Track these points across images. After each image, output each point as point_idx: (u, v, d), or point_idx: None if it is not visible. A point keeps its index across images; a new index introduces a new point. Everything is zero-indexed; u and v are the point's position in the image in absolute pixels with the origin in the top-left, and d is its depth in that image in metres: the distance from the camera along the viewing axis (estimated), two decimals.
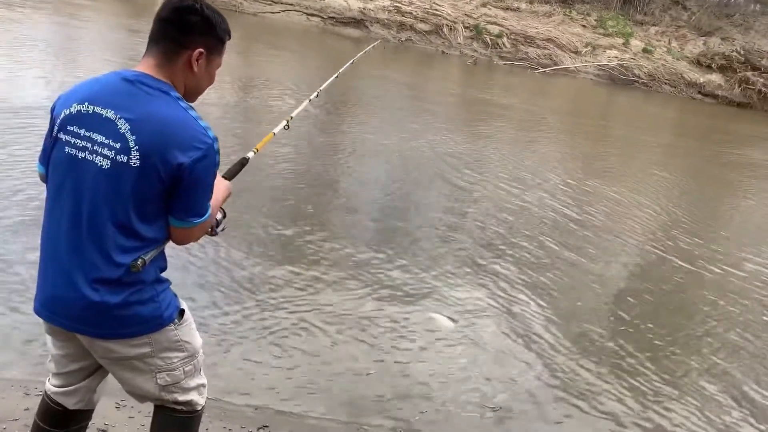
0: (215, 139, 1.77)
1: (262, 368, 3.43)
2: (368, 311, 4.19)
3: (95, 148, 1.71)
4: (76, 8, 14.04)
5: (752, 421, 3.78)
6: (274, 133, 2.85)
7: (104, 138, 1.70)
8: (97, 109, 1.72)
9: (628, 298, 5.16)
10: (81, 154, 1.72)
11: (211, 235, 2.07)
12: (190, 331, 1.94)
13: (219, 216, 2.07)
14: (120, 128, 1.69)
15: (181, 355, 1.91)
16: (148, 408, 2.34)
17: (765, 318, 5.21)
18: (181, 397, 1.95)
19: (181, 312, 1.91)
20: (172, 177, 1.70)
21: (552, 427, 3.40)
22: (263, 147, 2.67)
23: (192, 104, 1.87)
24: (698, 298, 5.47)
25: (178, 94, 1.77)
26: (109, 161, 1.69)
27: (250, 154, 2.49)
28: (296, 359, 3.56)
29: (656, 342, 4.50)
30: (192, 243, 1.93)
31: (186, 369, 1.93)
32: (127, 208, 1.71)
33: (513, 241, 5.82)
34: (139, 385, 1.91)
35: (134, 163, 1.68)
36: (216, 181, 1.99)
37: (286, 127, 3.00)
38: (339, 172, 6.96)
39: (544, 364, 3.94)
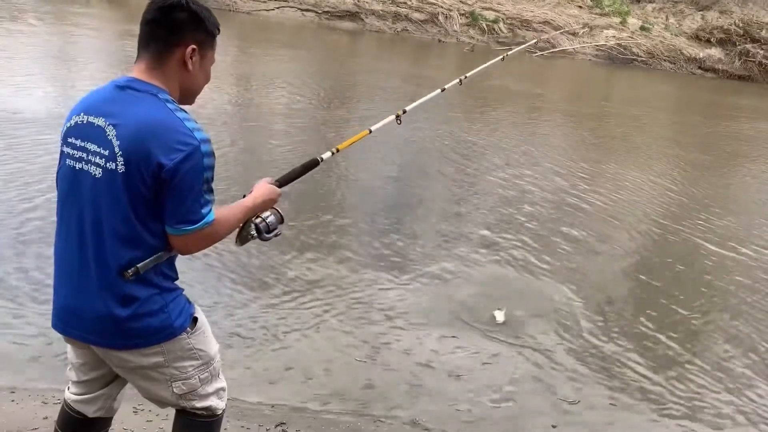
0: (204, 141, 1.70)
1: (277, 365, 3.45)
2: (384, 305, 4.20)
3: (89, 157, 1.71)
4: (76, 17, 14.04)
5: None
6: (371, 131, 2.67)
7: (96, 147, 1.70)
8: (91, 119, 1.73)
9: (632, 271, 5.16)
10: (78, 165, 1.73)
11: (262, 240, 2.00)
12: (204, 339, 1.93)
13: (271, 219, 2.00)
14: (108, 135, 1.69)
15: (195, 363, 1.89)
16: (166, 412, 2.37)
17: None
18: (200, 404, 1.94)
19: (195, 320, 1.89)
20: (156, 180, 1.65)
21: (564, 416, 3.41)
22: (347, 147, 2.48)
23: (190, 106, 1.86)
24: (716, 274, 5.46)
25: (167, 96, 1.74)
26: (100, 170, 1.69)
27: (327, 155, 2.34)
28: (310, 356, 3.58)
29: (677, 317, 4.50)
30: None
31: (202, 377, 1.92)
32: (124, 217, 1.69)
33: (522, 224, 5.82)
34: (155, 393, 1.91)
35: (120, 169, 1.67)
36: (257, 186, 1.99)
37: (399, 121, 2.80)
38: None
39: (566, 350, 3.95)
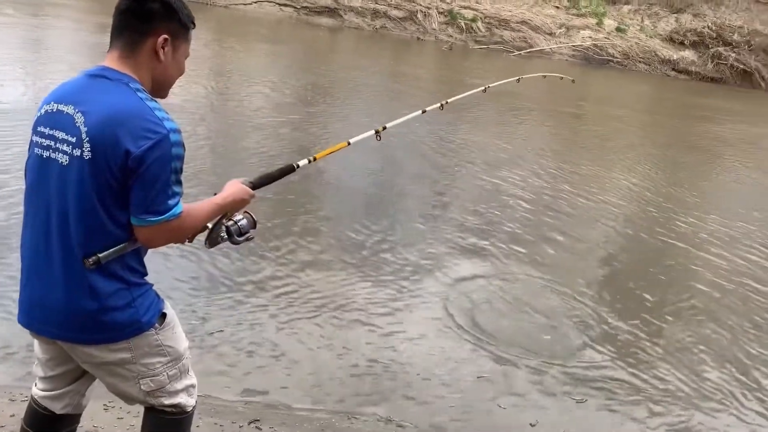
0: (174, 131, 1.68)
1: (250, 362, 3.43)
2: (356, 302, 4.19)
3: (57, 145, 1.69)
4: (54, 8, 13.80)
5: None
6: (349, 143, 2.64)
7: (64, 134, 1.68)
8: (60, 107, 1.71)
9: (606, 265, 5.22)
10: (46, 153, 1.71)
11: (233, 243, 1.97)
12: (173, 335, 1.89)
13: (243, 222, 1.97)
14: (76, 122, 1.67)
15: (163, 360, 1.86)
16: (138, 409, 2.33)
17: (744, 281, 5.30)
18: (168, 401, 1.91)
19: (164, 315, 1.86)
20: (123, 168, 1.63)
21: (544, 413, 3.44)
22: (325, 156, 2.46)
23: (163, 100, 1.84)
24: (685, 269, 5.55)
25: (138, 86, 1.72)
26: (67, 157, 1.67)
27: (303, 162, 2.31)
28: (284, 353, 3.56)
29: (644, 313, 4.56)
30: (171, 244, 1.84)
31: (170, 374, 1.88)
32: (90, 205, 1.67)
33: (501, 224, 5.85)
34: (123, 390, 1.88)
35: (86, 156, 1.64)
36: (228, 184, 1.96)
37: (378, 138, 2.83)
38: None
39: (540, 350, 3.98)
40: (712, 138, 12.02)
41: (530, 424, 3.29)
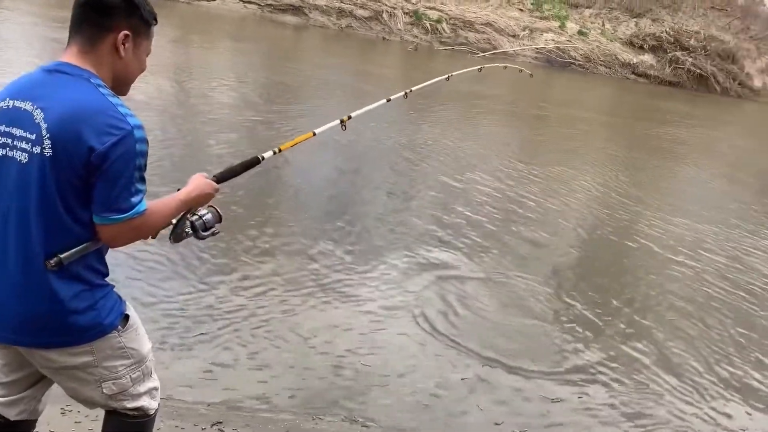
0: (137, 127, 1.65)
1: (212, 364, 3.38)
2: (321, 304, 4.17)
3: (15, 143, 1.64)
4: (11, 1, 13.40)
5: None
6: (315, 133, 2.59)
7: (23, 131, 1.63)
8: (17, 103, 1.66)
9: (570, 265, 5.31)
10: (2, 152, 1.65)
11: (198, 238, 1.94)
12: (136, 337, 1.85)
13: (208, 217, 1.94)
14: (35, 119, 1.62)
15: (126, 362, 1.82)
16: (96, 412, 2.28)
17: (689, 273, 5.44)
18: (131, 404, 1.87)
19: (126, 317, 1.82)
20: (86, 165, 1.59)
21: (497, 410, 3.47)
22: (289, 147, 2.40)
23: (124, 96, 1.80)
24: (633, 263, 5.67)
25: (99, 81, 1.68)
26: (26, 154, 1.62)
27: (269, 154, 2.27)
28: (248, 354, 3.52)
29: (598, 309, 4.65)
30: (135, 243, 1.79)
31: (133, 376, 1.85)
32: (51, 204, 1.62)
33: (466, 223, 5.89)
34: (84, 394, 1.83)
35: (47, 153, 1.60)
36: (192, 179, 1.92)
37: (343, 127, 2.76)
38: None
39: (505, 349, 4.01)
40: (672, 140, 12.32)
41: (495, 423, 3.32)
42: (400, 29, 20.35)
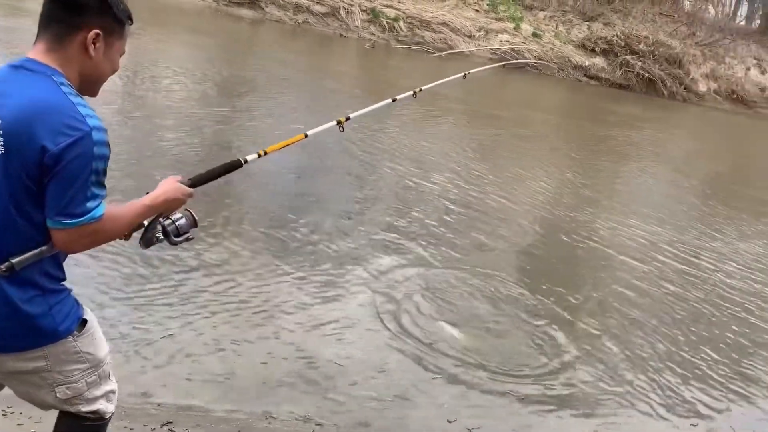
0: (97, 129, 1.58)
1: (163, 363, 3.32)
2: (276, 302, 4.14)
3: None
4: None
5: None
6: (306, 135, 2.43)
7: None
8: None
9: (528, 266, 5.40)
10: None
11: (170, 243, 1.87)
12: (93, 341, 1.80)
13: (182, 222, 1.87)
14: None
15: (82, 366, 1.77)
16: (39, 414, 2.22)
17: (638, 274, 5.61)
18: (86, 408, 1.83)
19: (84, 322, 1.77)
20: (39, 165, 1.53)
21: (454, 407, 3.51)
22: (276, 150, 2.26)
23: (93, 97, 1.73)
24: (588, 264, 5.81)
25: (63, 80, 1.62)
26: None
27: (252, 156, 2.15)
28: (199, 353, 3.47)
29: (556, 307, 4.74)
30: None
31: (89, 380, 1.80)
32: (3, 206, 1.56)
33: (426, 224, 5.92)
34: (36, 397, 1.79)
35: (0, 151, 1.54)
36: (162, 183, 1.84)
37: (341, 129, 2.62)
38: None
39: (462, 347, 4.05)
40: (624, 142, 12.63)
41: (448, 421, 3.35)
42: (357, 26, 20.30)
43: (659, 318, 5.00)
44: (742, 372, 4.47)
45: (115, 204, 1.72)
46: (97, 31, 1.65)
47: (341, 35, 19.74)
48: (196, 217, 1.93)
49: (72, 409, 1.81)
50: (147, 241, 1.87)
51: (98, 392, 1.85)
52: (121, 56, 1.77)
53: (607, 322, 4.78)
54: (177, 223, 1.89)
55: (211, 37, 14.67)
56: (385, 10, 20.96)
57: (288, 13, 19.84)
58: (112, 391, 1.91)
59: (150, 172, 5.68)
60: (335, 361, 3.63)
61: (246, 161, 2.15)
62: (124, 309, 3.70)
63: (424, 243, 5.49)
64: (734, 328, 5.12)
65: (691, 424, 3.78)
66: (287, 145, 2.38)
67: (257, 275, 4.40)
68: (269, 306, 4.05)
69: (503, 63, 4.48)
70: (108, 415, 1.90)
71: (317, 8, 20.29)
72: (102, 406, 1.86)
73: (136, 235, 1.89)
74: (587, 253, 6.18)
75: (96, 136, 1.57)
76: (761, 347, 4.91)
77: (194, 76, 9.97)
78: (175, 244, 1.90)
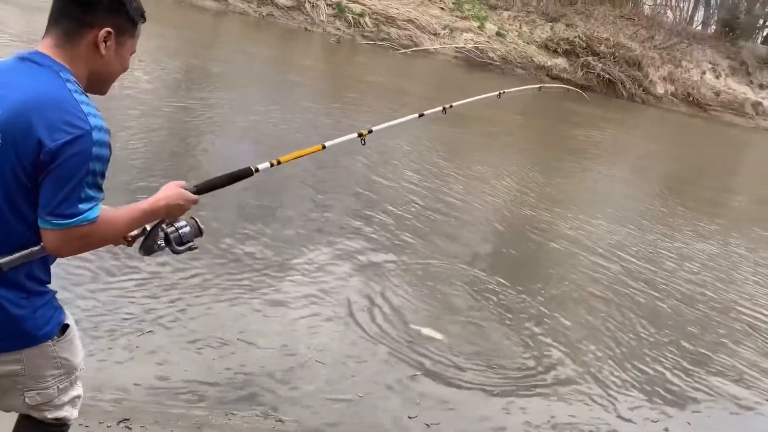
0: (99, 129, 1.51)
1: (119, 357, 3.25)
2: (239, 297, 4.09)
3: None
4: None
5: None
6: (324, 146, 2.35)
7: None
8: None
9: (494, 263, 5.45)
10: None
11: (173, 251, 1.79)
12: (70, 347, 1.74)
13: (186, 230, 1.79)
14: None
15: (56, 372, 1.71)
16: None
17: (597, 273, 5.72)
18: (52, 414, 1.76)
19: (65, 327, 1.70)
20: (34, 161, 1.46)
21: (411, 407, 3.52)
22: (291, 160, 2.15)
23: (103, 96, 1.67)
24: (555, 262, 5.89)
25: (70, 76, 1.55)
26: None
27: (264, 165, 2.05)
28: (158, 347, 3.40)
29: (514, 302, 4.79)
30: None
31: (60, 387, 1.74)
32: None
33: (394, 221, 5.91)
34: (4, 402, 1.72)
35: None
36: (164, 187, 1.75)
37: (363, 142, 2.50)
38: (201, 154, 6.69)
39: (428, 343, 4.06)
40: (586, 142, 12.85)
41: (408, 417, 3.36)
42: (322, 20, 20.18)
43: (618, 315, 5.10)
44: (701, 362, 4.59)
45: (111, 207, 1.65)
46: (109, 29, 1.59)
47: (306, 29, 19.60)
48: (202, 226, 1.85)
49: (37, 415, 1.75)
50: (147, 249, 1.80)
51: (66, 398, 1.78)
52: (132, 55, 1.71)
53: (570, 317, 4.85)
54: (180, 231, 1.80)
55: (175, 29, 14.39)
56: (351, 5, 20.88)
57: (252, 5, 19.61)
58: (78, 396, 1.85)
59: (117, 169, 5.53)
60: (297, 358, 3.61)
61: (257, 170, 2.06)
62: (82, 302, 3.59)
63: (389, 240, 5.49)
64: (692, 323, 5.25)
65: (650, 419, 3.86)
66: (302, 156, 2.30)
67: (218, 274, 4.33)
68: (230, 303, 3.99)
69: (540, 86, 4.41)
70: (71, 421, 1.84)
71: (282, 1, 20.10)
72: (67, 413, 1.80)
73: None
74: (550, 251, 6.26)
75: (96, 135, 1.51)
76: (720, 341, 5.06)
77: (155, 66, 9.76)
78: (178, 252, 1.81)
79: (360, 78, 13.22)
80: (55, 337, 1.68)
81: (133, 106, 7.65)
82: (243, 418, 3.06)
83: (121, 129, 6.72)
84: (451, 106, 3.05)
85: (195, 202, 1.81)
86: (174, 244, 1.79)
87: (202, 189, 1.88)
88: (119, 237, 1.73)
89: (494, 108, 14.53)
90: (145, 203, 1.71)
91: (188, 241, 1.81)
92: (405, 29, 20.93)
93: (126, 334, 3.43)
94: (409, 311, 4.38)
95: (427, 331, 4.19)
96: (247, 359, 3.49)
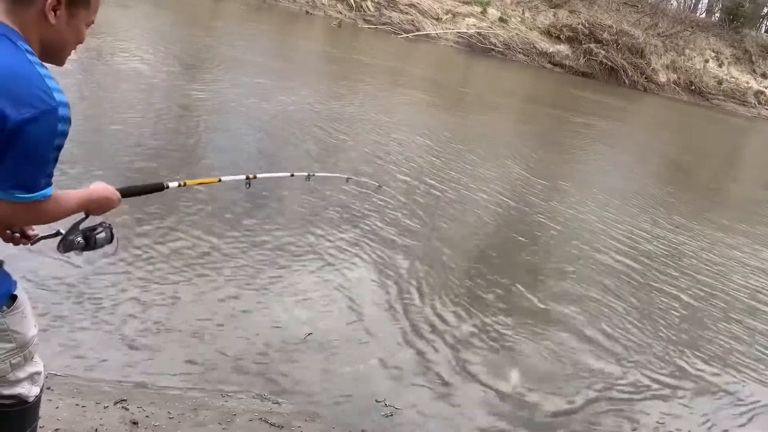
0: (63, 104, 1.51)
1: (117, 339, 3.25)
2: (233, 281, 4.08)
3: None
4: None
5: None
6: (220, 180, 2.56)
7: None
8: None
9: (485, 251, 5.45)
10: None
11: (89, 251, 1.85)
12: (22, 320, 1.71)
13: (101, 236, 1.85)
14: None
15: (8, 347, 1.68)
16: None
17: (591, 248, 5.73)
18: (7, 391, 1.73)
19: (14, 298, 1.68)
20: None
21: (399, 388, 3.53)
22: (194, 185, 2.32)
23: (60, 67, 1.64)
24: (551, 247, 5.89)
25: (28, 47, 1.53)
26: None
27: (173, 184, 2.19)
28: (156, 329, 3.40)
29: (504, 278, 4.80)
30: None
31: (13, 362, 1.70)
32: None
33: (390, 209, 5.90)
34: None
35: None
36: (96, 184, 1.78)
37: (248, 185, 2.65)
38: (202, 135, 6.67)
39: (415, 339, 4.07)
40: (586, 128, 12.81)
41: (405, 400, 3.37)
42: (324, 3, 20.05)
43: (613, 303, 5.11)
44: (695, 348, 4.61)
45: (60, 189, 1.65)
46: None
47: (307, 12, 19.48)
48: (117, 235, 1.93)
49: None
50: (67, 246, 1.83)
51: (21, 374, 1.75)
52: (89, 27, 1.68)
53: (559, 308, 4.86)
54: (97, 235, 1.87)
55: (174, 12, 14.30)
56: None
57: None
58: (38, 373, 1.81)
59: (94, 143, 5.52)
60: (294, 341, 3.61)
61: (167, 186, 2.18)
62: (77, 283, 3.59)
63: (389, 231, 5.48)
64: (686, 312, 5.27)
65: (642, 411, 3.88)
66: (201, 183, 2.54)
67: (211, 253, 4.33)
68: (225, 286, 3.99)
69: (347, 177, 4.41)
70: (31, 399, 1.80)
71: None
72: (24, 389, 1.77)
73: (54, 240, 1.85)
74: (546, 235, 6.26)
75: (61, 111, 1.51)
76: (711, 327, 5.07)
77: (152, 47, 9.71)
78: (93, 250, 1.89)
79: (357, 65, 13.13)
80: (4, 307, 1.66)
81: (123, 88, 7.62)
82: (240, 400, 3.07)
83: (128, 110, 6.71)
84: (255, 177, 3.10)
85: (119, 201, 1.88)
86: (91, 243, 1.87)
87: (124, 194, 1.95)
88: (61, 218, 1.71)
89: (499, 94, 14.48)
90: (84, 192, 1.75)
91: (101, 245, 1.90)
92: (407, 13, 20.80)
93: (123, 316, 3.43)
94: (406, 294, 4.38)
95: (426, 315, 4.19)
96: (244, 342, 3.49)
